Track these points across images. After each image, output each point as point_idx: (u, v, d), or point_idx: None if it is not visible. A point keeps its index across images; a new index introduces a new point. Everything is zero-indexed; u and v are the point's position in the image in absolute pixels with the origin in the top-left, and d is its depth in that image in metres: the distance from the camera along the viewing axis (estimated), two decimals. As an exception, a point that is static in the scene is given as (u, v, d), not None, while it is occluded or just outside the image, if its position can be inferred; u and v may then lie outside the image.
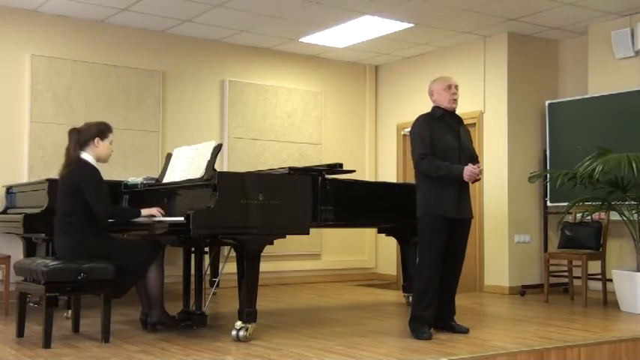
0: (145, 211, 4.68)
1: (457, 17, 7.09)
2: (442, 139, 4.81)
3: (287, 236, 4.70)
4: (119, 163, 7.00)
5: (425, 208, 4.79)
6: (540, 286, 7.13)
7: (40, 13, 7.01)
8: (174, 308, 5.15)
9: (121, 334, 4.73)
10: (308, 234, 4.80)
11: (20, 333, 4.57)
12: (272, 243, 4.60)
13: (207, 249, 5.66)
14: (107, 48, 7.37)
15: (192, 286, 5.22)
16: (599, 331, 5.02)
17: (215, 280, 6.10)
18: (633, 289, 5.95)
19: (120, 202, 5.31)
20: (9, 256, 5.79)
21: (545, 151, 7.50)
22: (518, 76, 7.63)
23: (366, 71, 9.18)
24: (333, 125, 8.86)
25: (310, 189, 4.77)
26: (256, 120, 8.21)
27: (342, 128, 8.96)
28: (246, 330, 4.46)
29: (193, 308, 5.14)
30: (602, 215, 6.51)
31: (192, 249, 5.29)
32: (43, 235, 5.59)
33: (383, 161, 9.07)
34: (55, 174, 5.93)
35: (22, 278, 4.59)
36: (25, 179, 6.77)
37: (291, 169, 4.90)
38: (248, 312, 4.47)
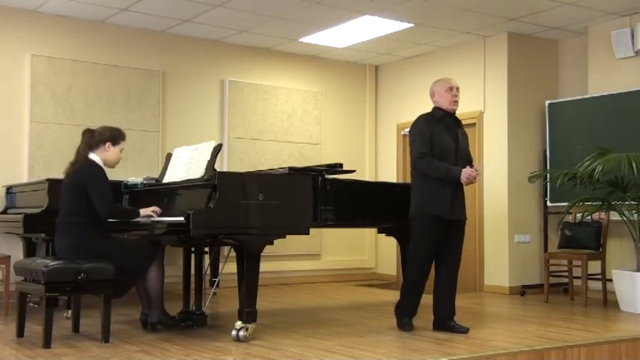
0: (142, 212, 4.69)
1: (457, 17, 7.09)
2: (441, 140, 4.86)
3: (287, 236, 4.70)
4: (119, 163, 6.98)
5: (418, 207, 4.88)
6: (540, 286, 7.13)
7: (40, 13, 7.01)
8: (174, 308, 5.15)
9: (121, 334, 4.73)
10: (308, 234, 4.80)
11: (20, 333, 4.57)
12: (272, 243, 4.60)
13: (207, 249, 5.66)
14: (107, 48, 7.37)
15: (192, 286, 5.23)
16: (599, 331, 5.02)
17: (215, 280, 6.10)
18: (633, 289, 5.95)
19: (120, 202, 5.31)
20: (9, 256, 5.79)
21: (545, 151, 7.50)
22: (518, 76, 7.63)
23: (366, 71, 9.18)
24: (333, 125, 8.86)
25: (310, 189, 4.77)
26: (256, 120, 8.21)
27: (342, 128, 8.96)
28: (246, 330, 4.46)
29: (193, 308, 5.14)
30: (602, 215, 6.51)
31: (192, 249, 5.29)
32: (43, 235, 5.59)
33: (383, 161, 9.07)
34: (55, 174, 5.96)
35: (22, 278, 4.60)
36: (25, 179, 6.77)
37: (291, 169, 4.90)
38: (248, 312, 4.47)
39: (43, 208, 5.53)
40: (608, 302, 6.41)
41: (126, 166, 7.04)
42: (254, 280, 4.48)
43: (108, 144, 4.72)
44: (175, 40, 7.77)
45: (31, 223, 5.54)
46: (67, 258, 4.43)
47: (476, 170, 4.79)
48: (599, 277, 6.58)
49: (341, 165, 5.21)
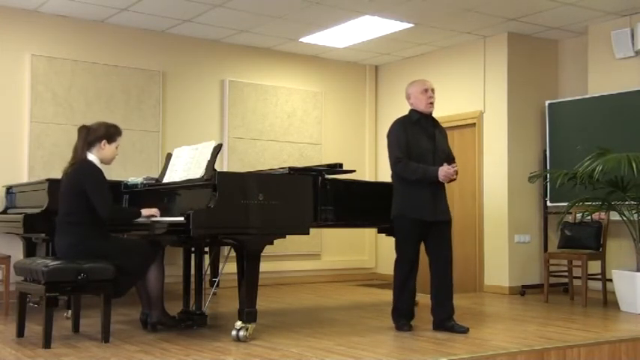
0: (144, 212, 4.68)
1: (457, 17, 7.09)
2: (418, 143, 4.94)
3: (287, 236, 4.71)
4: (119, 163, 6.90)
5: (398, 210, 4.97)
6: (540, 286, 7.13)
7: (40, 13, 7.01)
8: (174, 308, 5.15)
9: (121, 334, 4.73)
10: (308, 234, 4.81)
11: (20, 333, 4.57)
12: (272, 243, 4.60)
13: (207, 249, 5.66)
14: (107, 48, 7.37)
15: (192, 286, 5.23)
16: (599, 331, 5.03)
17: (215, 280, 6.10)
18: (633, 289, 5.95)
19: (120, 202, 5.31)
20: (9, 256, 5.79)
21: (545, 151, 7.50)
22: (518, 76, 7.63)
23: (366, 71, 9.18)
24: (333, 125, 8.86)
25: (310, 189, 4.77)
26: (256, 120, 8.21)
27: (342, 128, 8.96)
28: (246, 330, 4.46)
29: (193, 308, 5.14)
30: (602, 215, 6.52)
31: (192, 249, 5.29)
32: (43, 235, 5.58)
33: (383, 161, 9.04)
34: (55, 174, 5.94)
35: (22, 278, 4.60)
36: (25, 179, 6.77)
37: (291, 169, 4.90)
38: (248, 312, 4.47)
39: (43, 208, 5.53)
40: (608, 302, 6.41)
41: (126, 166, 7.08)
42: (254, 280, 4.48)
43: (104, 142, 4.70)
44: (175, 40, 7.77)
45: (31, 223, 5.54)
46: (67, 258, 4.43)
47: (454, 167, 4.85)
48: (599, 277, 6.58)
49: (341, 165, 5.22)
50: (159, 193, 5.06)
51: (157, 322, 4.86)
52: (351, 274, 8.77)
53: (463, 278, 7.90)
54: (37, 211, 5.58)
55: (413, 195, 4.87)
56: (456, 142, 8.13)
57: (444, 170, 4.80)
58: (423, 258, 5.01)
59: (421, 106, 5.02)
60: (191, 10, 6.94)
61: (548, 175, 7.00)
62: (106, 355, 4.07)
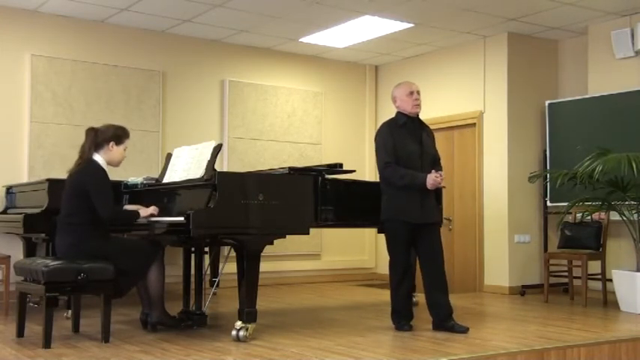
0: (143, 213, 4.68)
1: (457, 17, 7.09)
2: (405, 146, 4.96)
3: (287, 236, 4.71)
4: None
5: (388, 213, 4.98)
6: (540, 286, 7.13)
7: (40, 13, 7.01)
8: (174, 308, 5.15)
9: (121, 334, 4.73)
10: (308, 234, 4.81)
11: (20, 333, 4.57)
12: (272, 243, 4.61)
13: (207, 249, 5.66)
14: (107, 48, 7.37)
15: (192, 286, 5.23)
16: (599, 331, 5.03)
17: (215, 280, 6.10)
18: (633, 289, 5.95)
19: (120, 202, 5.30)
20: (9, 256, 5.79)
21: (545, 151, 7.50)
22: (518, 76, 7.63)
23: (366, 71, 9.18)
24: (333, 125, 8.86)
25: (310, 189, 4.78)
26: (256, 120, 8.21)
27: (342, 128, 8.96)
28: (246, 330, 4.46)
29: (193, 308, 5.14)
30: (602, 215, 6.52)
31: (193, 249, 5.29)
32: (43, 235, 5.58)
33: (383, 161, 9.06)
34: (55, 174, 5.96)
35: (22, 278, 4.60)
36: (25, 179, 6.77)
37: (291, 169, 4.90)
38: (248, 312, 4.47)
39: (43, 208, 5.52)
40: (608, 302, 6.41)
41: (126, 166, 7.01)
42: (254, 280, 4.48)
43: (112, 143, 4.71)
44: (175, 40, 7.77)
45: (31, 223, 5.54)
46: (67, 258, 4.43)
47: (441, 174, 4.89)
48: (599, 277, 6.58)
49: (341, 165, 5.22)
50: (159, 193, 5.06)
51: (157, 322, 4.86)
52: (351, 274, 8.77)
53: (463, 278, 7.91)
54: (37, 211, 5.58)
55: (401, 198, 4.90)
56: (456, 142, 8.15)
57: (431, 178, 4.84)
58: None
59: (407, 109, 5.05)
60: (191, 10, 6.94)
61: (548, 175, 7.00)
62: (106, 355, 4.07)
